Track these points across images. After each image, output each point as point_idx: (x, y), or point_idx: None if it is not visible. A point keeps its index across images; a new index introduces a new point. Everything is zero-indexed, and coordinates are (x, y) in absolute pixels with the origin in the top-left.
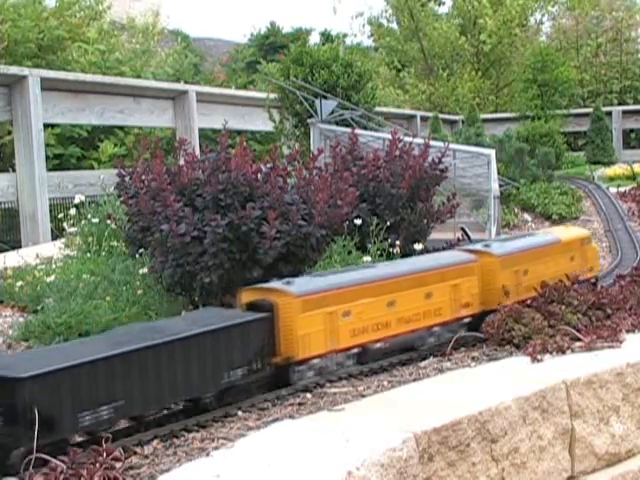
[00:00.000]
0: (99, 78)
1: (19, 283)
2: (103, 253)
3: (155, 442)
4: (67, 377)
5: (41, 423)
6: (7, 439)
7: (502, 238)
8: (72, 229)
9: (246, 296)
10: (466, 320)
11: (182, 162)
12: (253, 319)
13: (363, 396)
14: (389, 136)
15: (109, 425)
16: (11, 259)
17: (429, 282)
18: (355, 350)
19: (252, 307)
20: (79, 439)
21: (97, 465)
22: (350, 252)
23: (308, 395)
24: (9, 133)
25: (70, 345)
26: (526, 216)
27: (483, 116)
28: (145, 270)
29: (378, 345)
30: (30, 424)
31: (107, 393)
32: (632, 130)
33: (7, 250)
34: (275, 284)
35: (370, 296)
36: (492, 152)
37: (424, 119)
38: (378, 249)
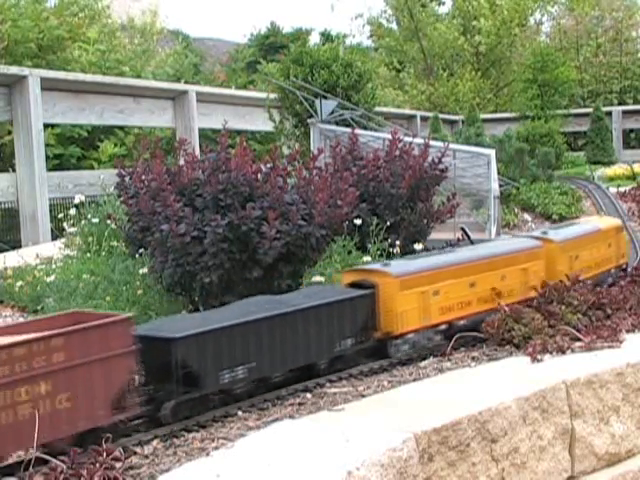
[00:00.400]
0: (99, 78)
1: (19, 283)
2: (103, 253)
3: (155, 442)
4: (211, 339)
5: (189, 379)
6: (159, 393)
7: (555, 226)
8: (72, 229)
9: (348, 277)
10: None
11: (182, 162)
12: (360, 295)
13: (363, 396)
14: (389, 136)
15: (243, 384)
16: (11, 259)
17: (503, 265)
18: (443, 326)
19: (354, 287)
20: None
21: (97, 465)
22: (350, 252)
23: (308, 395)
24: (9, 133)
25: (209, 312)
26: (526, 216)
27: (483, 116)
28: (145, 270)
29: (462, 322)
30: (180, 379)
31: (242, 355)
32: (632, 130)
33: (7, 250)
34: (374, 266)
35: (455, 277)
36: (492, 152)
37: (424, 119)
38: (378, 249)
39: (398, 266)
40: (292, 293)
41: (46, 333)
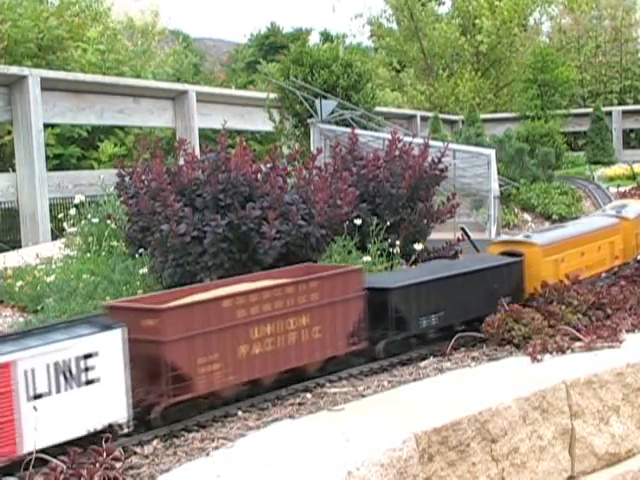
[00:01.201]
0: (99, 78)
1: (19, 283)
2: (103, 253)
3: (155, 442)
4: (415, 291)
5: (398, 322)
6: (376, 332)
7: (617, 204)
8: (72, 229)
9: (494, 248)
10: (615, 270)
11: (182, 162)
12: (514, 261)
13: (363, 396)
14: (389, 136)
15: (433, 330)
16: (11, 259)
17: (600, 238)
18: None
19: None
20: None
21: (97, 465)
22: (350, 252)
23: (308, 395)
24: (9, 133)
25: (407, 272)
26: (526, 216)
27: (483, 116)
28: (145, 270)
29: None
30: (393, 322)
31: (435, 305)
32: (632, 130)
33: (7, 250)
34: (518, 238)
35: (573, 248)
36: (492, 152)
37: (424, 119)
38: (378, 249)
39: (539, 238)
40: (458, 260)
41: (306, 277)
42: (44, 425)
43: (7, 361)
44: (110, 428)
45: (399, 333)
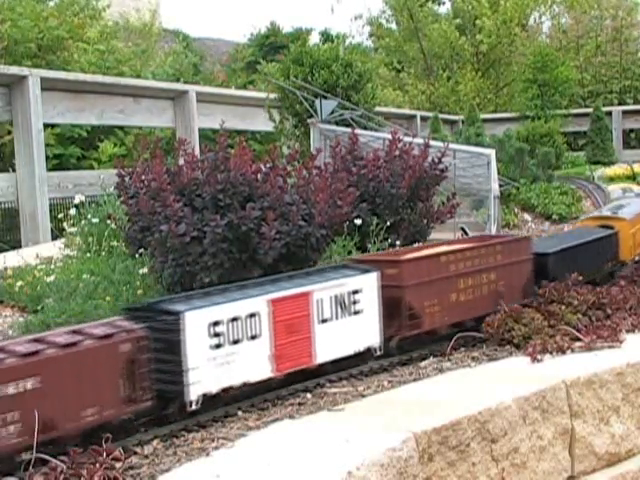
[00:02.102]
0: (99, 78)
1: (19, 283)
2: (103, 253)
3: (155, 442)
4: (562, 255)
5: (554, 279)
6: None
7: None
8: (72, 229)
9: (588, 222)
10: None
11: (182, 162)
12: (613, 233)
13: (363, 396)
14: (389, 136)
15: (583, 281)
16: (11, 259)
17: None
18: (637, 258)
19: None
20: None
21: (97, 465)
22: (350, 252)
23: (308, 395)
24: (9, 133)
25: (551, 240)
26: (526, 216)
27: (483, 116)
28: (145, 270)
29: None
30: (553, 278)
31: (574, 266)
32: (632, 130)
33: (7, 250)
34: (607, 213)
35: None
36: (492, 152)
37: (424, 119)
38: (378, 249)
39: (624, 214)
40: (576, 232)
41: (493, 241)
42: (327, 344)
43: (307, 290)
44: (368, 350)
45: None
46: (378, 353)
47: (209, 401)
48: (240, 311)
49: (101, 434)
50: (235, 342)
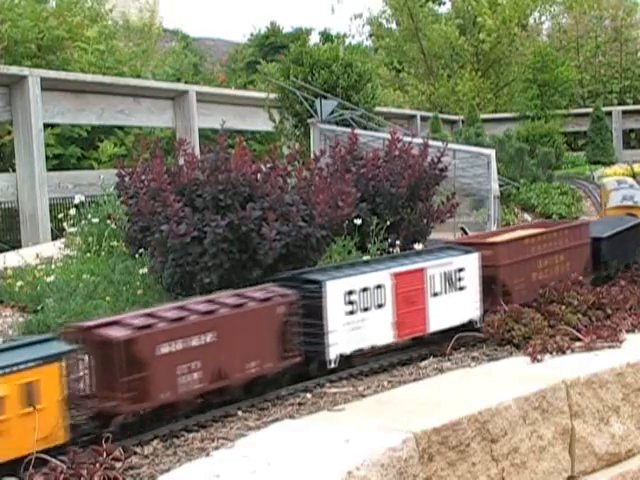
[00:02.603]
0: (99, 78)
1: (19, 283)
2: (103, 253)
3: (155, 442)
4: (611, 240)
5: (604, 265)
6: (587, 271)
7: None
8: (72, 229)
9: (613, 212)
10: None
11: (182, 162)
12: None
13: (363, 396)
14: (389, 136)
15: (617, 270)
16: (11, 259)
17: None
18: None
19: None
20: None
21: (97, 465)
22: (350, 252)
23: (308, 395)
24: (9, 133)
25: (600, 224)
26: (526, 216)
27: (483, 116)
28: (145, 270)
29: None
30: (601, 264)
31: (620, 250)
32: (632, 130)
33: (7, 250)
34: (629, 203)
35: None
36: (492, 152)
37: (424, 119)
38: (378, 249)
39: None
40: (609, 219)
41: (562, 226)
42: (438, 315)
43: (422, 267)
44: (469, 323)
45: (604, 270)
46: (478, 325)
47: (344, 361)
48: (369, 282)
49: (258, 386)
50: (365, 310)
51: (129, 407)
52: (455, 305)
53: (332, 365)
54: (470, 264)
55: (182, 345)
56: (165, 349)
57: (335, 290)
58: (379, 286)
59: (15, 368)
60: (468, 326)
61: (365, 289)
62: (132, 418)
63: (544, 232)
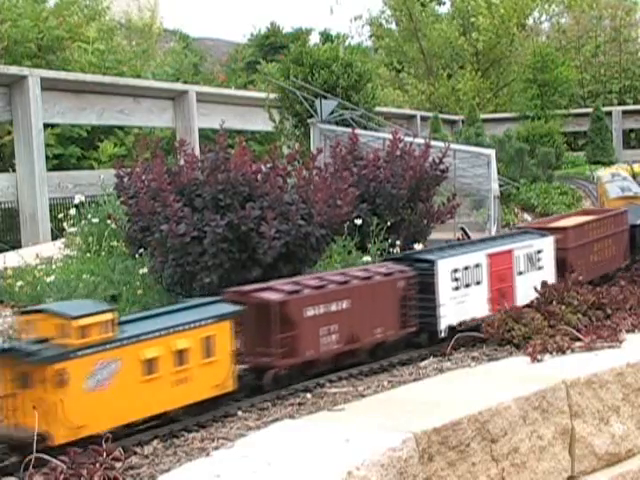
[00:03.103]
0: (99, 78)
1: (19, 283)
2: (103, 253)
3: (155, 442)
4: None
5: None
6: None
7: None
8: (72, 229)
9: (617, 203)
10: None
11: (182, 162)
12: None
13: (363, 396)
14: (389, 136)
15: None
16: (11, 259)
17: None
18: None
19: None
20: None
21: (97, 465)
22: (350, 252)
23: (308, 395)
24: (9, 133)
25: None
26: (526, 216)
27: (483, 116)
28: (145, 270)
29: None
30: (637, 247)
31: None
32: (632, 130)
33: (7, 250)
34: (630, 194)
35: None
36: (492, 152)
37: (424, 119)
38: (378, 249)
39: None
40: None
41: (609, 214)
42: (522, 291)
43: (511, 248)
44: None
45: (638, 255)
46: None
47: (450, 331)
48: (470, 261)
49: (380, 351)
50: (467, 286)
51: (281, 362)
52: (535, 283)
53: (442, 335)
54: (546, 247)
55: (323, 309)
56: (310, 312)
57: (444, 268)
58: (477, 265)
59: (197, 324)
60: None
61: (467, 267)
62: (282, 372)
63: (598, 219)
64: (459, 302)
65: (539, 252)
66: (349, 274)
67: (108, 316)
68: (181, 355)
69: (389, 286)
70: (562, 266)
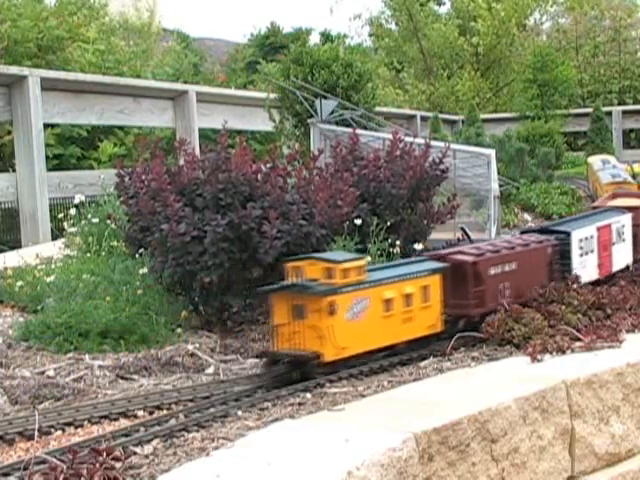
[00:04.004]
0: (99, 78)
1: (19, 283)
2: (103, 253)
3: (155, 442)
4: None
5: None
6: None
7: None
8: (72, 229)
9: (610, 187)
10: None
11: (182, 162)
12: None
13: (363, 396)
14: (389, 136)
15: None
16: (11, 259)
17: None
18: None
19: None
20: None
21: (97, 465)
22: (350, 252)
23: (308, 395)
24: (9, 133)
25: None
26: (526, 216)
27: (483, 116)
28: (145, 270)
29: None
30: None
31: None
32: (632, 130)
33: (7, 250)
34: (619, 180)
35: None
36: (492, 152)
37: (424, 119)
38: (378, 249)
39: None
40: None
41: None
42: (616, 260)
43: (610, 222)
44: (627, 268)
45: None
46: (631, 268)
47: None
48: (588, 233)
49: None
50: (586, 253)
51: (473, 311)
52: (622, 253)
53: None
54: (627, 222)
55: (500, 269)
56: (492, 271)
57: (576, 238)
58: (591, 236)
59: (419, 274)
60: (625, 270)
61: (586, 238)
62: (474, 319)
63: None
64: (583, 267)
65: (623, 227)
66: (512, 242)
67: (362, 262)
68: (408, 298)
69: (542, 252)
70: (635, 240)
